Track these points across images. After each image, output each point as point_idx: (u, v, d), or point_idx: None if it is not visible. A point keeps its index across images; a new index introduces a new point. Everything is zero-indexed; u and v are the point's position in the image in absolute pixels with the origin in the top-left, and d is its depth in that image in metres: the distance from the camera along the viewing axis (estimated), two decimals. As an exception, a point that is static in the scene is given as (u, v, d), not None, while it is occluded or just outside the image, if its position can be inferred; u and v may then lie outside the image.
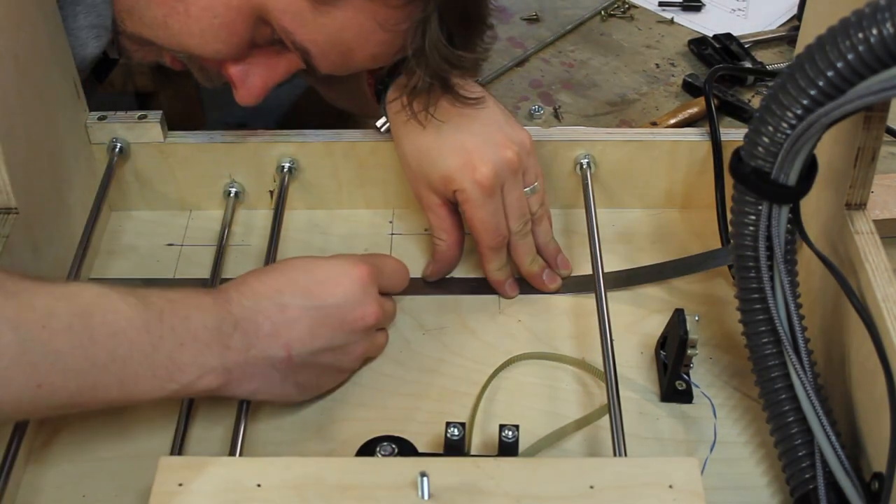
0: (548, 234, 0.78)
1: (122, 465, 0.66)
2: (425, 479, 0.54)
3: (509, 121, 0.76)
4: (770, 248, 0.62)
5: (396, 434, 0.63)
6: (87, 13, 0.75)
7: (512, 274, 0.77)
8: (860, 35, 0.52)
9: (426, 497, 0.54)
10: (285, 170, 0.81)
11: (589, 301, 0.73)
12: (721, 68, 1.00)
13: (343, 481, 0.56)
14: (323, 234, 0.83)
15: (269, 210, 0.82)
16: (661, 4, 1.16)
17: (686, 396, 0.70)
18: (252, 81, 0.74)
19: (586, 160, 0.81)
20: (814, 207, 0.69)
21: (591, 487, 0.55)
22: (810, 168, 0.61)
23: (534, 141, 0.76)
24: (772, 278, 0.62)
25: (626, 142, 0.80)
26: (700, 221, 0.82)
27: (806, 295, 0.65)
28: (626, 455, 0.61)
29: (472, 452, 0.65)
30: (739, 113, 0.98)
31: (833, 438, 0.59)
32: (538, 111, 1.00)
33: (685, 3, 1.15)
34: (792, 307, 0.62)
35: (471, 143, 0.73)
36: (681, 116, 0.97)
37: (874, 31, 0.52)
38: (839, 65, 0.54)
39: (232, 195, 0.82)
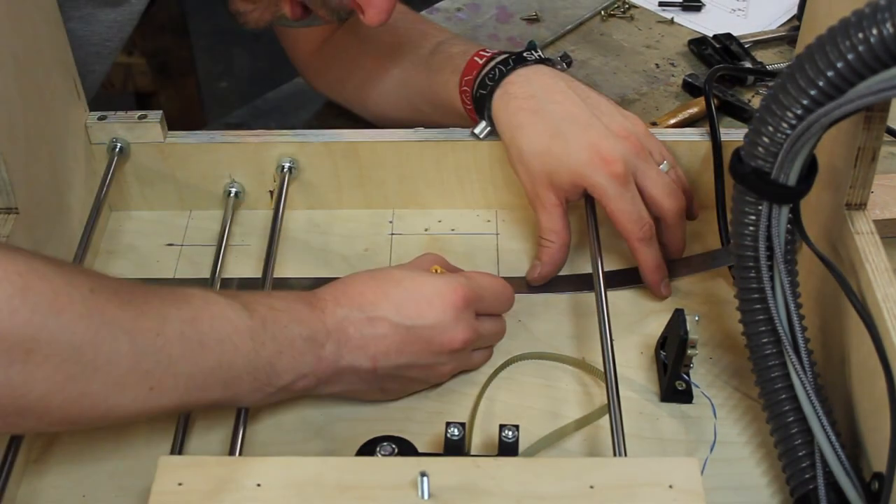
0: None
1: (122, 465, 0.66)
2: (425, 478, 0.54)
3: (618, 108, 0.78)
4: (770, 248, 0.62)
5: (396, 434, 0.63)
6: None
7: (666, 273, 0.77)
8: (860, 35, 0.52)
9: (426, 497, 0.54)
10: (285, 170, 0.81)
11: (589, 301, 0.73)
12: (721, 68, 1.00)
13: (343, 481, 0.56)
14: (323, 234, 0.83)
15: (269, 210, 0.82)
16: (661, 4, 1.15)
17: (686, 396, 0.70)
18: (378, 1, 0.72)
19: (586, 160, 0.80)
20: (814, 207, 0.69)
21: (591, 487, 0.55)
22: (810, 168, 0.61)
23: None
24: (772, 278, 0.62)
25: (626, 142, 0.80)
26: (700, 221, 0.82)
27: (806, 295, 0.65)
28: (626, 455, 0.61)
29: (472, 452, 0.65)
30: (739, 113, 0.98)
31: (833, 438, 0.59)
32: (538, 111, 0.99)
33: (685, 3, 1.15)
34: (792, 307, 0.62)
35: (594, 136, 0.73)
36: (681, 116, 0.97)
37: (874, 31, 0.52)
38: (839, 65, 0.54)
39: (232, 195, 0.82)
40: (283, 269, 0.79)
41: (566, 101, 0.76)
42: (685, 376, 0.70)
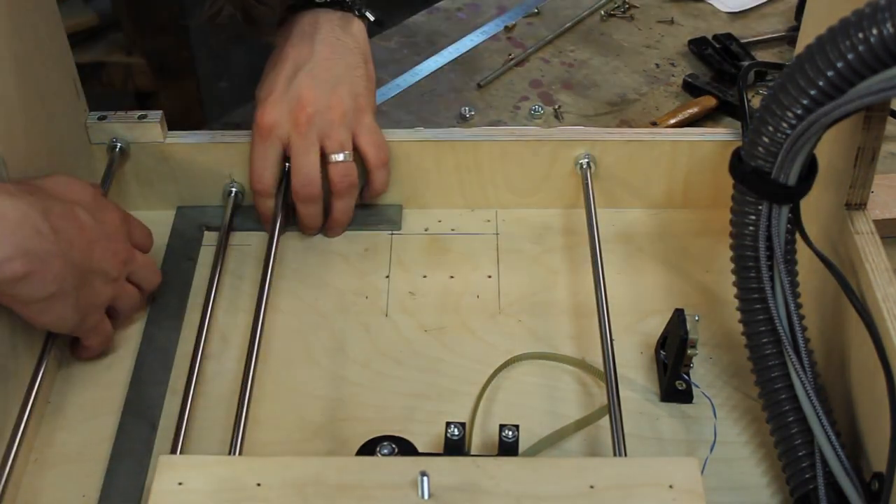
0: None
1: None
2: (425, 478, 0.54)
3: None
4: (770, 248, 0.62)
5: (396, 434, 0.63)
6: None
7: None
8: (860, 35, 0.52)
9: (426, 497, 0.54)
10: (285, 169, 0.81)
11: (589, 301, 0.73)
12: (755, 64, 1.00)
13: (343, 481, 0.56)
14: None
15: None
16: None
17: (686, 396, 0.70)
18: None
19: (586, 160, 0.80)
20: (814, 207, 0.69)
21: (592, 487, 0.55)
22: (810, 168, 0.61)
23: (525, 141, 0.78)
24: (772, 278, 0.62)
25: (626, 142, 0.80)
26: (700, 221, 0.82)
27: (806, 295, 0.65)
28: (626, 455, 0.61)
29: (472, 452, 0.65)
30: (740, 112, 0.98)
31: (833, 438, 0.59)
32: (538, 111, 1.00)
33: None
34: (792, 307, 0.62)
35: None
36: (681, 116, 0.97)
37: (874, 31, 0.52)
38: (839, 65, 0.54)
39: (232, 195, 0.82)
40: (283, 270, 0.79)
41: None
42: (685, 376, 0.70)
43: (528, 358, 0.73)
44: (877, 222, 0.66)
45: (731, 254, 0.65)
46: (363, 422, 0.68)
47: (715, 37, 1.08)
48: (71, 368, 0.72)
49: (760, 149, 0.60)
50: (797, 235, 0.63)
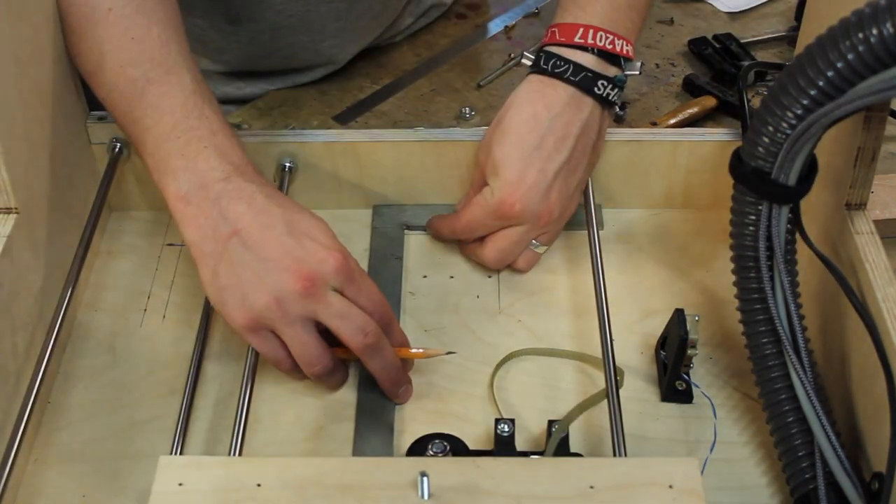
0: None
1: (122, 465, 0.66)
2: (425, 479, 0.54)
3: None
4: (770, 248, 0.62)
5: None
6: None
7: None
8: (860, 35, 0.53)
9: (426, 497, 0.54)
10: (285, 170, 0.81)
11: (589, 301, 0.73)
12: (755, 64, 1.00)
13: (343, 481, 0.56)
14: (323, 234, 0.83)
15: (269, 210, 0.82)
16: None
17: (686, 396, 0.70)
18: None
19: (586, 160, 0.80)
20: (814, 207, 0.69)
21: (591, 487, 0.55)
22: (810, 168, 0.61)
23: None
24: (772, 278, 0.62)
25: (626, 142, 0.80)
26: (700, 221, 0.82)
27: (806, 295, 0.65)
28: (626, 455, 0.61)
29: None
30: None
31: (833, 438, 0.59)
32: (538, 111, 0.99)
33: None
34: (792, 307, 0.62)
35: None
36: (681, 116, 0.97)
37: (874, 32, 0.52)
38: (839, 65, 0.54)
39: (232, 195, 0.82)
40: (283, 269, 0.79)
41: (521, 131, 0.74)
42: (685, 376, 0.70)
43: (531, 353, 0.73)
44: (877, 222, 0.67)
45: (731, 254, 0.65)
46: (363, 422, 0.68)
47: (715, 37, 1.08)
48: (71, 368, 0.72)
49: (760, 149, 0.60)
50: (797, 235, 0.63)
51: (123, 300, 0.77)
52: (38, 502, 0.64)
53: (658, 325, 0.72)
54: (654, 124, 0.97)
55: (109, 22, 0.70)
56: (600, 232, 0.75)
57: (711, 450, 0.67)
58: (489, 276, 0.79)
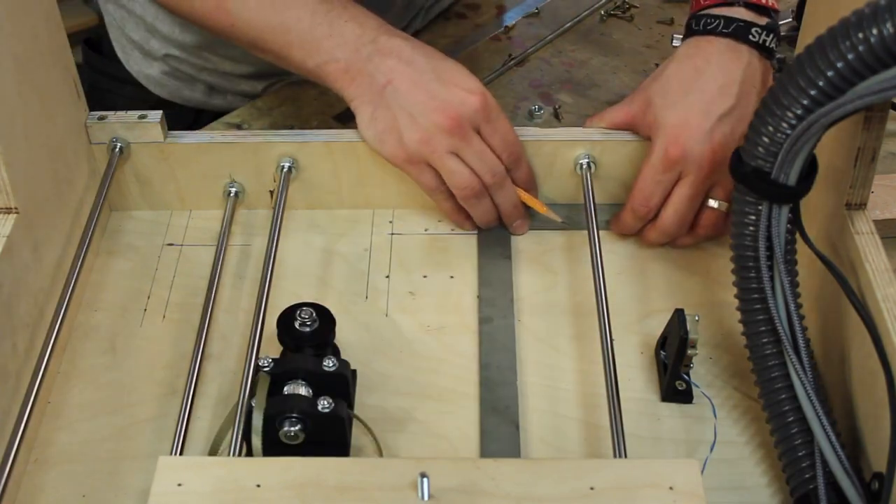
0: None
1: (122, 465, 0.66)
2: (425, 479, 0.54)
3: None
4: (770, 248, 0.62)
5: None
6: None
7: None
8: (860, 35, 0.53)
9: (426, 498, 0.54)
10: (285, 170, 0.81)
11: (589, 301, 0.73)
12: None
13: (343, 481, 0.56)
14: (323, 234, 0.83)
15: (269, 210, 0.82)
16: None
17: (686, 396, 0.70)
18: None
19: (586, 160, 0.80)
20: (814, 207, 0.69)
21: (592, 489, 0.55)
22: (810, 168, 0.61)
23: (525, 141, 0.80)
24: (772, 278, 0.62)
25: (626, 142, 0.80)
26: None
27: (806, 295, 0.65)
28: (626, 456, 0.61)
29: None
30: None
31: (833, 438, 0.59)
32: (538, 111, 1.00)
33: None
34: (792, 307, 0.62)
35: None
36: (681, 116, 0.97)
37: (874, 32, 0.52)
38: (839, 65, 0.54)
39: (232, 195, 0.82)
40: (284, 269, 0.79)
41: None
42: (685, 376, 0.70)
43: None
44: (877, 222, 0.67)
45: (731, 254, 0.65)
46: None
47: (715, 36, 1.08)
48: (71, 368, 0.72)
49: (760, 149, 0.60)
50: (797, 235, 0.63)
51: (123, 300, 0.77)
52: (38, 502, 0.64)
53: (658, 325, 0.72)
54: (654, 124, 0.97)
55: None
56: (600, 232, 0.75)
57: (711, 450, 0.67)
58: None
